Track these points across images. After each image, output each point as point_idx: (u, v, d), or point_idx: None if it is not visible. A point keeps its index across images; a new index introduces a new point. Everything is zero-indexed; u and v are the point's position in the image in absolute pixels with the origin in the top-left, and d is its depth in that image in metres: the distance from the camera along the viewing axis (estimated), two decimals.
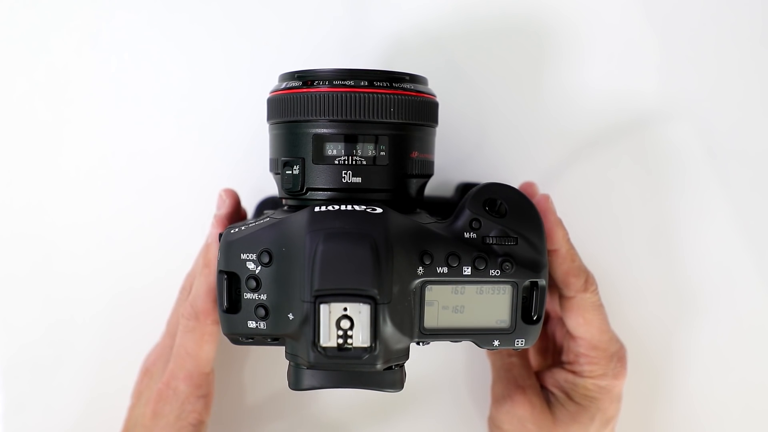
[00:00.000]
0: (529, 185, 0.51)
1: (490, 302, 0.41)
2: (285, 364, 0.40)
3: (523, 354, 0.51)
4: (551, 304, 0.51)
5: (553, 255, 0.44)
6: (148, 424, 0.47)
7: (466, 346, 0.56)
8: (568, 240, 0.45)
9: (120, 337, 0.55)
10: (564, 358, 0.49)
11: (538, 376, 0.51)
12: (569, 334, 0.48)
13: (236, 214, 0.49)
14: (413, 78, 0.43)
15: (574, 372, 0.48)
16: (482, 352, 0.55)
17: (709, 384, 0.59)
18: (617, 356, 0.47)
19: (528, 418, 0.48)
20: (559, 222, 0.44)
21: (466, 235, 0.41)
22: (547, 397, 0.49)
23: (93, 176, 0.54)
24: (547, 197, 0.45)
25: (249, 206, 0.53)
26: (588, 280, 0.45)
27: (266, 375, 0.56)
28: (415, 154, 0.43)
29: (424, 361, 0.54)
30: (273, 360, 0.55)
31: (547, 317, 0.52)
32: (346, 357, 0.37)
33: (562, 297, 0.47)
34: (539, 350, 0.54)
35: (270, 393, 0.57)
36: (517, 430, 0.48)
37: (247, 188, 0.52)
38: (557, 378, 0.49)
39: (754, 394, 0.59)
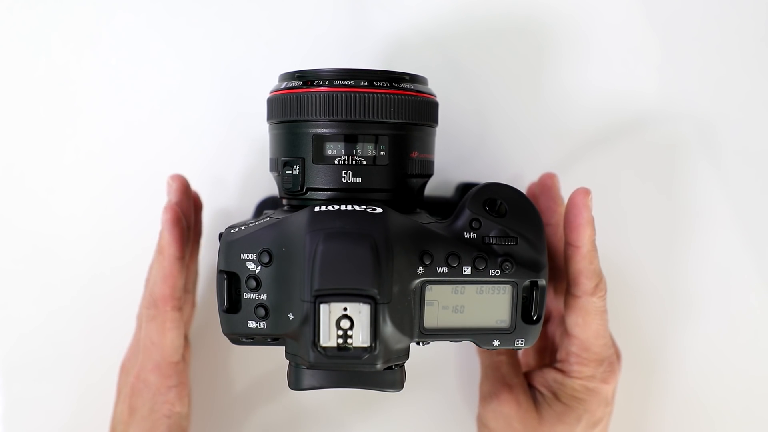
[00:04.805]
0: (550, 177, 0.50)
1: (490, 302, 0.41)
2: (280, 360, 0.40)
3: (511, 353, 0.51)
4: (555, 303, 0.51)
5: (574, 251, 0.44)
6: (127, 420, 0.47)
7: (460, 345, 0.56)
8: (593, 241, 0.44)
9: (119, 332, 0.55)
10: (557, 356, 0.49)
11: (528, 375, 0.51)
12: (565, 331, 0.48)
13: (186, 197, 0.49)
14: (413, 78, 0.43)
15: (563, 371, 0.48)
16: (475, 351, 0.55)
17: (710, 384, 0.59)
18: (608, 361, 0.47)
19: (514, 416, 0.48)
20: (591, 221, 0.44)
21: (466, 235, 0.41)
22: (534, 396, 0.49)
23: (94, 173, 0.54)
24: (587, 192, 0.44)
25: (249, 206, 0.53)
26: (599, 285, 0.45)
27: (261, 371, 0.56)
28: (415, 154, 0.43)
29: (418, 359, 0.54)
30: (268, 356, 0.55)
31: (549, 317, 0.52)
32: (346, 357, 0.37)
33: (568, 294, 0.46)
34: (537, 350, 0.54)
35: (265, 390, 0.57)
36: (503, 428, 0.48)
37: (247, 188, 0.52)
38: (546, 377, 0.49)
39: (754, 395, 0.59)
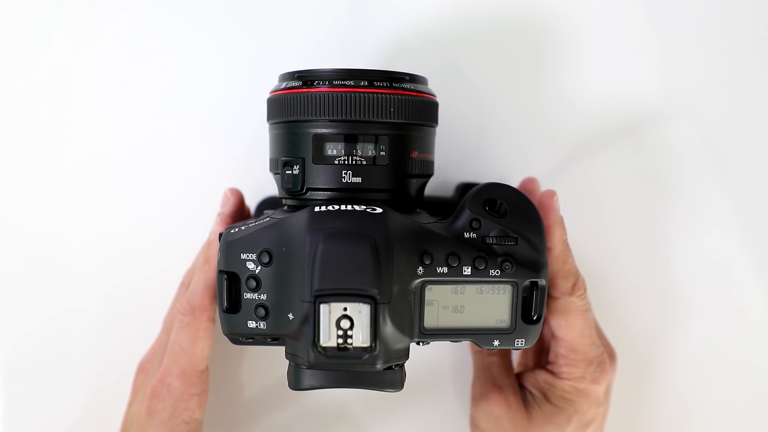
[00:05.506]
0: (531, 181, 0.51)
1: (490, 302, 0.41)
2: (283, 361, 0.40)
3: (503, 354, 0.51)
4: None
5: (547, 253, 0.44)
6: (143, 422, 0.47)
7: (456, 346, 0.56)
8: (565, 241, 0.45)
9: (119, 332, 0.55)
10: (548, 357, 0.49)
11: (519, 376, 0.51)
12: (552, 334, 0.48)
13: (240, 212, 0.49)
14: (413, 78, 0.43)
15: (552, 373, 0.48)
16: (469, 352, 0.55)
17: (702, 384, 0.59)
18: (597, 361, 0.47)
19: (504, 416, 0.48)
20: (560, 221, 0.44)
21: (466, 235, 0.41)
22: (525, 397, 0.49)
23: (94, 174, 0.54)
24: (552, 194, 0.45)
25: (249, 206, 0.53)
26: (576, 285, 0.45)
27: (264, 372, 0.56)
28: (415, 154, 0.43)
29: (417, 360, 0.54)
30: (271, 357, 0.55)
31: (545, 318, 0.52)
32: (346, 357, 0.37)
33: (548, 296, 0.46)
34: (536, 351, 0.54)
35: (267, 390, 0.57)
36: (494, 428, 0.49)
37: (247, 188, 0.52)
38: (537, 378, 0.49)
39: (747, 395, 0.59)
